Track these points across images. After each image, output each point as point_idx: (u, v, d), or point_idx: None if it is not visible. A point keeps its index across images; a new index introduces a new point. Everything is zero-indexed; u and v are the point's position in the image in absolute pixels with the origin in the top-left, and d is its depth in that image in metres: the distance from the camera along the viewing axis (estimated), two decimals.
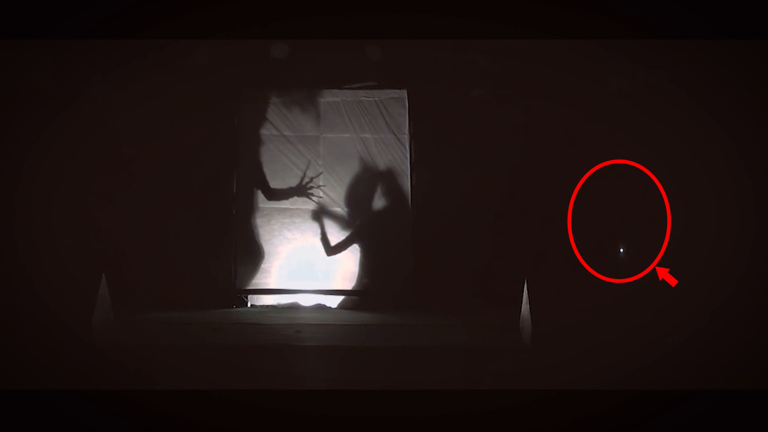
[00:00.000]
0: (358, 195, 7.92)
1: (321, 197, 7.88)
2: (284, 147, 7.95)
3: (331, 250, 7.83)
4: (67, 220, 7.38)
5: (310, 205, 7.90)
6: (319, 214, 7.89)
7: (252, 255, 7.83)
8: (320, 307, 7.73)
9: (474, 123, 7.71)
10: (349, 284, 7.85)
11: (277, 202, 7.90)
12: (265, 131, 7.96)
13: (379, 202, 7.92)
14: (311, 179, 7.85)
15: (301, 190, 7.90)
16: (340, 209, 7.90)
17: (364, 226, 7.87)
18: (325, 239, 7.86)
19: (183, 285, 7.52)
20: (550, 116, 7.59)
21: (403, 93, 7.96)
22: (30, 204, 7.30)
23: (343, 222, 7.90)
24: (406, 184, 7.88)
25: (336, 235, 7.88)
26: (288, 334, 6.03)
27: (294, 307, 7.71)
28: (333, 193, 7.91)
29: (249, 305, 7.80)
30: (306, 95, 8.00)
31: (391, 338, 6.04)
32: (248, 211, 7.89)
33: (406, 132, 7.93)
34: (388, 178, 7.92)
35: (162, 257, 7.55)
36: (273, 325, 6.47)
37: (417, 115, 7.90)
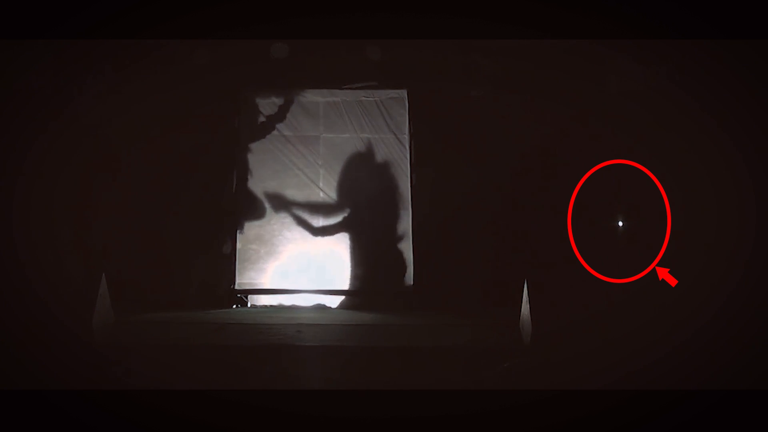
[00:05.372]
0: (358, 195, 7.92)
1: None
2: (284, 147, 7.96)
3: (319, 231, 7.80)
4: (67, 220, 7.38)
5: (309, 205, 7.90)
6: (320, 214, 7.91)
7: (252, 255, 7.83)
8: (320, 307, 7.73)
9: (474, 123, 7.72)
10: (349, 284, 7.85)
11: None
12: (265, 131, 7.97)
13: (379, 202, 7.92)
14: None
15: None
16: (339, 209, 7.90)
17: (364, 226, 7.87)
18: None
19: (183, 285, 7.52)
20: (550, 116, 7.60)
21: (403, 93, 7.98)
22: (30, 204, 7.29)
23: (342, 221, 7.90)
24: (407, 184, 7.88)
25: (335, 235, 7.88)
26: (288, 334, 6.03)
27: (294, 307, 7.72)
28: (333, 193, 7.91)
29: (249, 305, 7.80)
30: (306, 95, 8.01)
31: (391, 338, 6.04)
32: (248, 210, 7.89)
33: (406, 132, 7.94)
34: (388, 178, 7.92)
35: (162, 257, 7.55)
36: (273, 325, 6.46)
37: (417, 115, 7.91)
